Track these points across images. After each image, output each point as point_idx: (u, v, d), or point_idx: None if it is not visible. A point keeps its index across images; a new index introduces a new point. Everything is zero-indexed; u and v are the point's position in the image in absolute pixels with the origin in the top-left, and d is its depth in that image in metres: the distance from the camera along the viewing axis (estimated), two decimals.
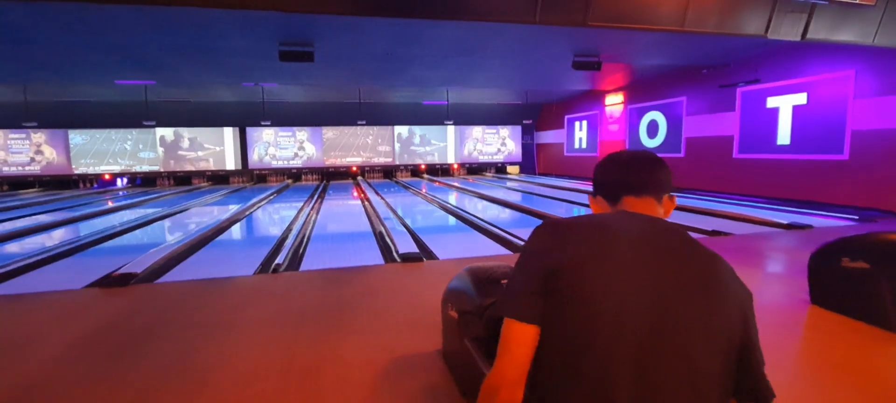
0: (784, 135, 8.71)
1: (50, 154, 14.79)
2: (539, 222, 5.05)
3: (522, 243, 4.43)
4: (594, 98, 14.64)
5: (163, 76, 10.47)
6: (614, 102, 13.80)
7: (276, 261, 4.74)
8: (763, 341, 0.82)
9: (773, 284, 3.71)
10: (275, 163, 16.46)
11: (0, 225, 7.85)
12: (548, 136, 18.05)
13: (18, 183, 14.70)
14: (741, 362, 0.76)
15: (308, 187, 14.23)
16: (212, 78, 10.72)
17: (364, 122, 16.08)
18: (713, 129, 10.38)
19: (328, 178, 16.88)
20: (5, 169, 14.55)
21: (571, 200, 9.78)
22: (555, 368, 0.74)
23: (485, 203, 9.81)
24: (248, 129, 16.05)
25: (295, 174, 16.78)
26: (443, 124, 17.22)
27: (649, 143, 12.36)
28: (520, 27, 6.37)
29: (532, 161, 18.84)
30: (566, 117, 16.44)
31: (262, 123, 14.84)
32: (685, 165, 11.12)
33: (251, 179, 16.32)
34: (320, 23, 6.47)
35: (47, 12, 5.94)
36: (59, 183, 14.94)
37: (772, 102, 8.92)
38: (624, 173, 0.96)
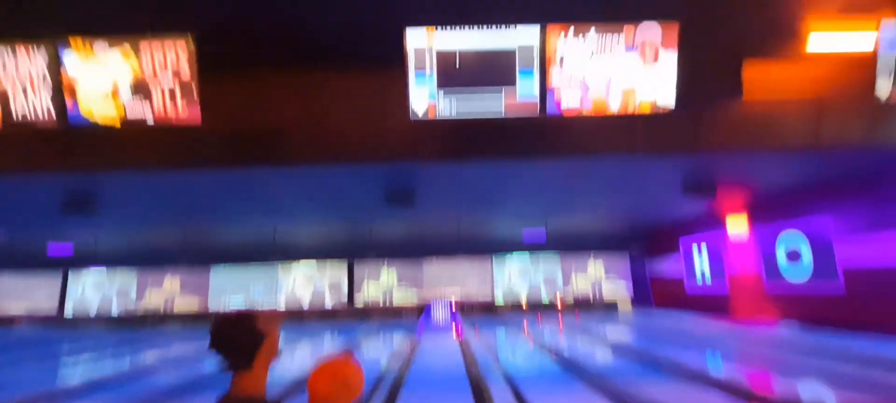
0: None
1: (193, 292, 17.02)
2: (663, 372, 4.05)
3: (649, 401, 3.54)
4: (713, 219, 13.16)
5: (289, 218, 11.91)
6: (738, 224, 12.25)
7: None
8: None
9: None
10: (376, 298, 16.95)
11: (143, 355, 8.77)
12: (662, 265, 16.38)
13: (166, 317, 16.88)
14: None
15: (407, 323, 14.20)
16: (327, 217, 11.89)
17: (463, 254, 16.20)
18: (884, 257, 8.36)
19: (426, 314, 16.78)
20: (158, 305, 16.92)
21: (702, 343, 8.26)
22: None
23: (594, 346, 8.73)
24: (356, 263, 17.03)
25: (395, 311, 17.00)
26: (543, 254, 16.68)
27: (793, 275, 10.38)
28: (621, 155, 6.11)
29: (646, 292, 17.01)
30: (681, 241, 14.90)
31: (368, 255, 15.72)
32: (847, 303, 8.94)
33: (356, 314, 16.85)
34: (422, 168, 6.88)
35: (214, 176, 7.12)
36: (197, 317, 16.83)
37: None
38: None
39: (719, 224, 12.90)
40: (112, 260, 16.50)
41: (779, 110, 4.39)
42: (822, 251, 9.61)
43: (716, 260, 13.21)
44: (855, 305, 8.82)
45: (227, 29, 4.26)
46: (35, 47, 4.12)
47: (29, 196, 7.94)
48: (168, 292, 16.98)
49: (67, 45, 4.12)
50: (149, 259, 16.82)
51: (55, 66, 4.25)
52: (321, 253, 16.99)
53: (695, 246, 14.17)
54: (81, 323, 16.87)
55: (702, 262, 13.86)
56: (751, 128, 4.46)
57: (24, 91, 4.30)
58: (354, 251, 16.71)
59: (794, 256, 10.34)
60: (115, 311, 16.91)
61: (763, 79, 4.38)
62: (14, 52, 4.12)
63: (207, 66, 4.21)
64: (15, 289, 17.02)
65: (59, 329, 15.89)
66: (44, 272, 16.97)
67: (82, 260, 16.03)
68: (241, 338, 1.18)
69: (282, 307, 16.80)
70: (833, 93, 4.45)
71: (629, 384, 5.25)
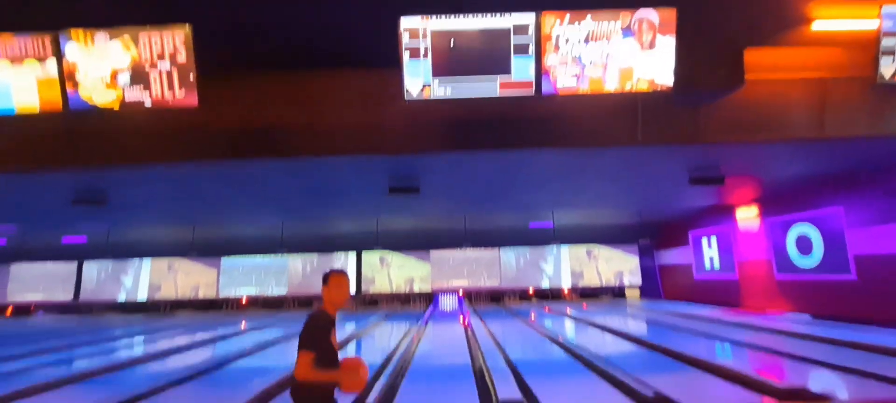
0: None
1: (204, 280, 17.32)
2: (672, 362, 4.11)
3: (650, 393, 3.66)
4: (722, 211, 13.03)
5: (297, 214, 12.02)
6: (748, 216, 12.11)
7: (367, 401, 4.49)
8: None
9: None
10: (384, 289, 17.08)
11: (147, 346, 8.97)
12: (671, 256, 16.26)
13: (177, 305, 17.23)
14: None
15: (414, 313, 14.30)
16: (334, 212, 11.99)
17: (469, 246, 16.23)
18: (893, 245, 8.32)
19: (434, 303, 16.88)
20: (169, 293, 17.28)
21: (711, 333, 8.22)
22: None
23: (602, 335, 8.72)
24: (364, 254, 17.17)
25: (403, 298, 17.14)
26: (551, 245, 16.64)
27: (803, 263, 10.30)
28: (624, 148, 6.05)
29: (655, 284, 16.90)
30: (690, 233, 14.77)
31: (375, 248, 15.84)
32: (859, 291, 8.88)
33: (363, 303, 17.01)
34: (424, 160, 6.88)
35: (216, 170, 7.22)
36: (208, 305, 17.14)
37: None
38: None
39: (729, 217, 12.76)
40: (124, 251, 16.86)
41: (781, 99, 4.29)
42: (833, 241, 9.51)
43: (725, 251, 13.10)
44: (866, 290, 8.73)
45: (224, 30, 4.28)
46: (38, 40, 4.20)
47: (39, 193, 8.13)
48: (182, 281, 17.33)
49: (69, 37, 4.19)
50: (160, 250, 17.14)
51: (57, 54, 4.32)
52: (328, 245, 17.18)
53: (704, 240, 14.05)
54: (97, 310, 17.31)
55: (712, 252, 13.75)
56: (753, 117, 4.36)
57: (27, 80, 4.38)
58: (361, 243, 16.84)
59: (805, 246, 10.23)
60: (129, 298, 17.29)
61: (765, 66, 4.28)
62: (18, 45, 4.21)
63: (205, 67, 4.26)
64: (32, 279, 17.48)
65: (76, 316, 16.33)
66: (59, 263, 17.41)
67: (95, 251, 16.39)
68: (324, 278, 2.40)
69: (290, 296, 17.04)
70: (836, 77, 4.34)
71: (635, 371, 5.24)
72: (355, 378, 2.20)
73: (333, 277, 2.37)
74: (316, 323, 2.26)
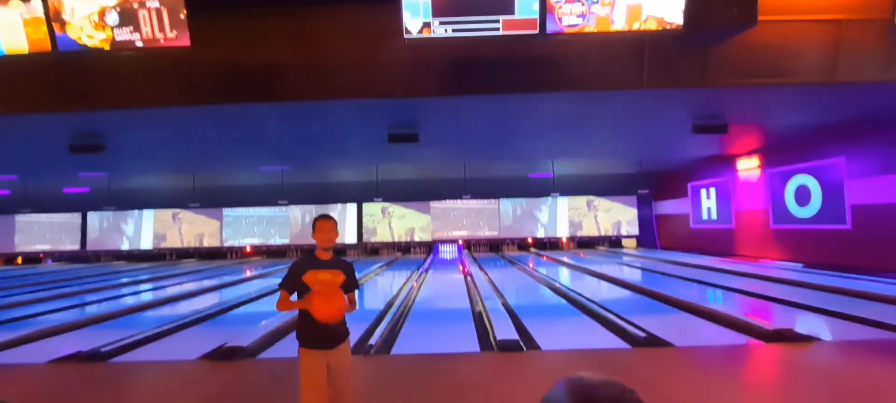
0: None
1: (207, 230, 17.53)
2: (664, 307, 4.25)
3: (642, 334, 3.81)
4: (723, 161, 13.00)
5: (296, 162, 11.96)
6: (748, 167, 12.08)
7: (370, 342, 4.65)
8: None
9: None
10: (385, 238, 17.32)
11: (156, 291, 9.20)
12: (668, 206, 16.36)
13: (182, 254, 17.53)
14: None
15: (415, 260, 14.56)
16: (333, 161, 11.92)
17: (469, 196, 16.32)
18: (891, 195, 8.36)
19: (434, 252, 17.17)
20: (173, 243, 17.54)
21: (703, 280, 8.41)
22: None
23: (597, 282, 8.92)
24: (365, 205, 17.30)
25: (404, 247, 17.41)
26: (549, 196, 16.71)
27: (800, 213, 10.39)
28: (627, 93, 5.93)
29: (651, 234, 17.11)
30: (690, 185, 14.81)
31: (375, 199, 15.93)
32: (853, 241, 9.01)
33: (365, 252, 17.31)
34: (424, 106, 6.76)
35: (212, 116, 7.11)
36: (212, 254, 17.44)
37: None
38: None
39: (729, 167, 12.73)
40: (126, 202, 16.95)
41: (794, 41, 4.15)
42: (832, 192, 9.55)
43: (723, 201, 13.17)
44: (860, 239, 8.86)
45: None
46: None
47: (36, 139, 8.05)
48: (186, 231, 17.58)
49: None
50: (162, 201, 17.24)
51: None
52: (330, 196, 17.27)
53: (704, 191, 14.10)
54: (104, 258, 17.65)
55: (710, 203, 13.85)
56: (763, 60, 4.24)
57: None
58: (362, 194, 16.92)
59: (803, 197, 10.29)
60: (134, 247, 17.58)
61: (779, 7, 4.11)
62: None
63: (196, 5, 4.08)
64: (38, 229, 17.70)
65: (84, 264, 16.66)
66: (63, 214, 17.57)
67: (98, 202, 16.44)
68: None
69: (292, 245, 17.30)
70: (852, 19, 4.18)
71: (628, 315, 5.41)
72: (309, 302, 2.33)
73: (317, 222, 2.54)
74: (291, 267, 2.50)
